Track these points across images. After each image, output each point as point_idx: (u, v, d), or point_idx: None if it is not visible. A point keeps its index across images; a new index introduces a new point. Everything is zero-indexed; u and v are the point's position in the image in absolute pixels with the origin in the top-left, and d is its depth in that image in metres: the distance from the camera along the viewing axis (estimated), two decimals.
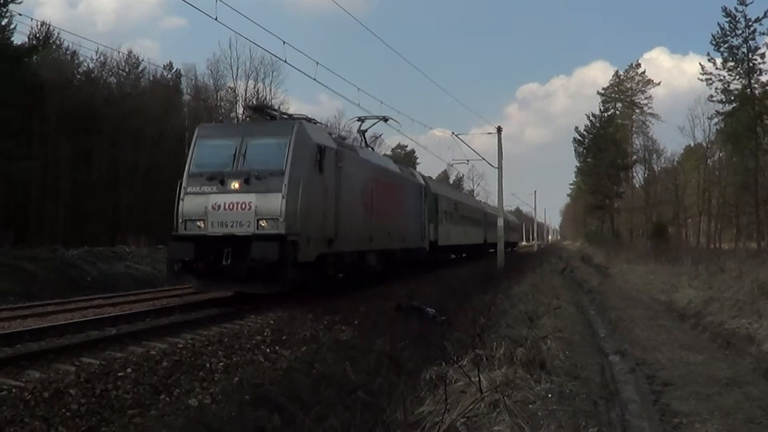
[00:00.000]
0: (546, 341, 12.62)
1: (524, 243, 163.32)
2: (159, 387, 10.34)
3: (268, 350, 13.47)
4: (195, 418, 8.76)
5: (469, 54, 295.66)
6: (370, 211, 26.03)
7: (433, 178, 68.37)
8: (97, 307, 18.75)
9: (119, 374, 10.70)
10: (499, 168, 50.53)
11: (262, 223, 19.06)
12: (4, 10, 43.65)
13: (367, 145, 34.27)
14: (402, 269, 32.49)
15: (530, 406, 8.26)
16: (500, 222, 51.21)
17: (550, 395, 9.01)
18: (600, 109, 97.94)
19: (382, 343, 13.39)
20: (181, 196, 20.00)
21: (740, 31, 59.00)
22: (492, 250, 67.96)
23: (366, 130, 33.36)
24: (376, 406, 8.45)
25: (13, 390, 9.50)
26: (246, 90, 65.49)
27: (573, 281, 38.29)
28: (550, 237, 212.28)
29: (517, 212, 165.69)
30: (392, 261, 30.54)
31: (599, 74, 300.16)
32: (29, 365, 11.23)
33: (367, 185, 25.91)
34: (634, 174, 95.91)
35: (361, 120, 32.83)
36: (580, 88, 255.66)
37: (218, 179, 19.58)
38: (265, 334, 14.94)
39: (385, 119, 32.92)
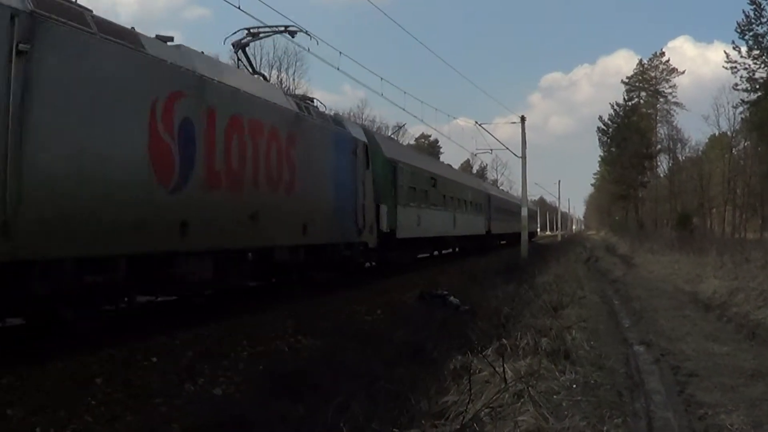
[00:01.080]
0: (570, 331, 12.59)
1: (548, 233, 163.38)
2: (184, 376, 10.38)
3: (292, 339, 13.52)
4: (220, 406, 8.79)
5: (492, 43, 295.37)
6: (179, 168, 13.88)
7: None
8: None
9: (144, 363, 10.75)
10: (523, 157, 50.29)
11: None
12: None
13: (254, 72, 22.43)
14: (312, 280, 21.02)
15: (555, 396, 8.24)
16: (524, 212, 50.86)
17: (574, 385, 8.98)
18: (624, 98, 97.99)
19: (404, 333, 13.39)
20: None
21: (765, 19, 58.45)
22: (503, 242, 65.64)
23: (247, 44, 22.11)
24: (399, 396, 8.45)
25: (38, 379, 9.54)
26: (270, 79, 65.44)
27: (597, 271, 38.20)
28: (574, 227, 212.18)
29: (541, 202, 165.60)
30: (279, 267, 18.92)
31: (623, 63, 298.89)
32: (55, 355, 11.27)
33: (170, 117, 13.61)
34: (659, 163, 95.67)
35: (252, 34, 22.24)
36: (604, 77, 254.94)
37: None
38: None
39: (291, 32, 22.86)
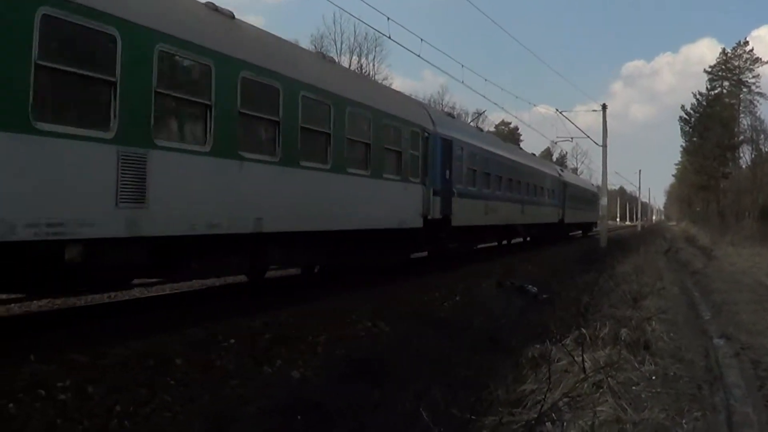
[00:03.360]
0: (650, 322, 12.48)
1: (627, 222, 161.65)
2: (261, 358, 10.47)
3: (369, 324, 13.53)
4: (297, 389, 8.87)
5: (574, 30, 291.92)
6: None
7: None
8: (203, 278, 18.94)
9: (223, 345, 10.87)
10: (604, 146, 49.68)
11: None
12: None
13: None
14: None
15: (634, 387, 8.20)
16: (603, 201, 50.21)
17: (653, 377, 8.92)
18: (706, 88, 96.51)
19: (481, 321, 13.39)
20: None
21: None
22: (527, 238, 42.23)
23: None
24: (477, 383, 8.47)
25: (120, 357, 9.70)
26: (350, 65, 65.38)
27: (677, 262, 37.70)
28: (654, 217, 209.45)
29: (621, 191, 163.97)
30: None
31: (706, 51, 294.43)
32: (136, 335, 11.43)
33: None
34: (741, 154, 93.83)
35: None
36: (687, 66, 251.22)
37: None
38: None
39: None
